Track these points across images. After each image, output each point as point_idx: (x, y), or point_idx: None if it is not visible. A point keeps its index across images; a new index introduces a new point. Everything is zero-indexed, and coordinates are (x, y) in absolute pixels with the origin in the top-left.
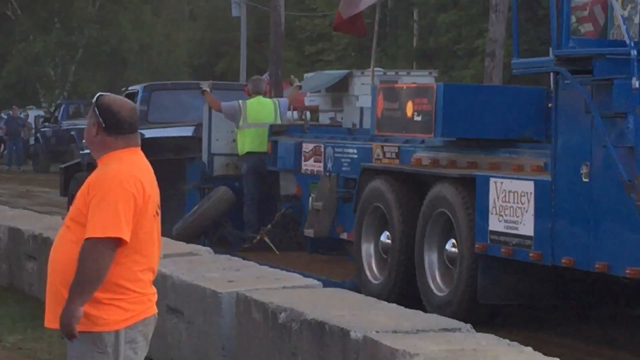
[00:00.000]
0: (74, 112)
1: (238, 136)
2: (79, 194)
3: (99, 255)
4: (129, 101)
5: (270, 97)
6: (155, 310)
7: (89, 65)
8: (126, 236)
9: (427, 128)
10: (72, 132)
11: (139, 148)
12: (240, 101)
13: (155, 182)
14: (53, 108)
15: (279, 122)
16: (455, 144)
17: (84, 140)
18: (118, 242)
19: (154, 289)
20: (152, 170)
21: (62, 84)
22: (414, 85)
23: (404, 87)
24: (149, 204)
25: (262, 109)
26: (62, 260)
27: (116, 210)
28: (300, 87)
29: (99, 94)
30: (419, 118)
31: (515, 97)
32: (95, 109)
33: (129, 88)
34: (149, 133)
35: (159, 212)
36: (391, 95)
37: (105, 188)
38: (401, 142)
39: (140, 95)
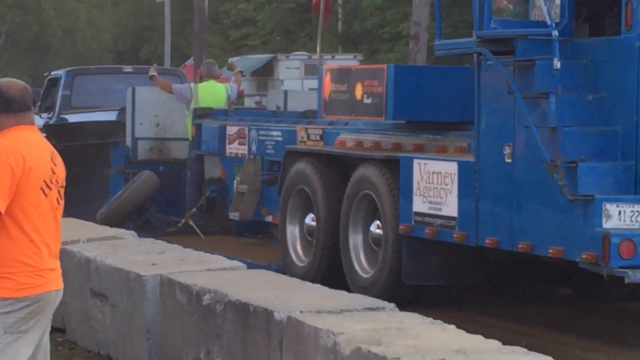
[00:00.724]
0: None
1: (187, 119)
2: None
3: None
4: (19, 81)
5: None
6: (56, 286)
7: (12, 51)
8: (1, 206)
9: (377, 111)
10: None
11: (33, 126)
12: (192, 84)
13: (51, 159)
14: None
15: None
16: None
17: None
18: None
19: (54, 265)
20: (47, 148)
21: None
22: (363, 66)
23: (353, 69)
24: (30, 176)
25: (213, 93)
26: None
27: None
28: (242, 72)
29: None
30: (368, 100)
31: (467, 78)
32: None
33: (52, 73)
34: (72, 118)
35: (60, 190)
36: (339, 77)
37: None
38: (349, 125)
39: (63, 80)
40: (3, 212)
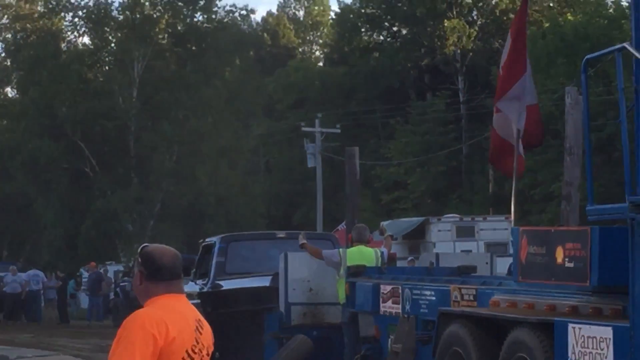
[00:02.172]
0: None
1: (338, 284)
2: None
3: None
4: (171, 248)
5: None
6: None
7: (166, 219)
8: None
9: (580, 276)
10: None
11: (182, 294)
12: (341, 249)
13: (196, 328)
14: (132, 262)
15: None
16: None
17: None
18: None
19: None
20: (193, 316)
21: (141, 238)
22: (564, 228)
23: (552, 230)
24: (172, 346)
25: (362, 258)
26: None
27: (133, 349)
28: (392, 236)
29: (143, 245)
30: (570, 264)
31: None
32: (139, 258)
33: (206, 240)
34: (227, 284)
35: (205, 359)
36: (537, 239)
37: (127, 328)
38: (548, 289)
39: (217, 246)
40: None
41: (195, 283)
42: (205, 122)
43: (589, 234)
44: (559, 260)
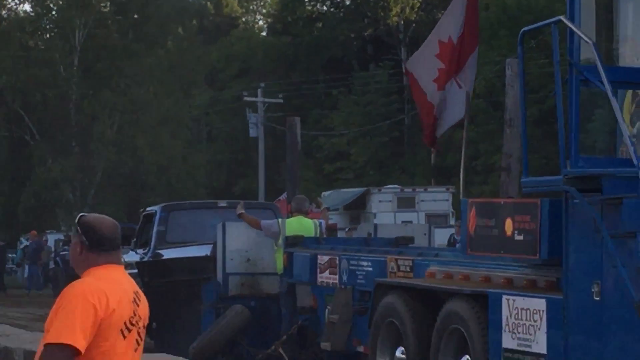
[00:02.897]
0: None
1: (276, 254)
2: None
3: None
4: (109, 218)
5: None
6: None
7: (107, 188)
8: (79, 345)
9: (530, 249)
10: None
11: (121, 265)
12: (280, 220)
13: (134, 299)
14: (72, 231)
15: None
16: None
17: None
18: (73, 351)
19: None
20: (131, 287)
21: (81, 207)
22: (514, 200)
23: (502, 202)
24: (112, 318)
25: (301, 229)
26: None
27: (73, 318)
28: (328, 209)
29: (80, 214)
30: (520, 237)
31: None
32: (78, 227)
33: (147, 209)
34: (167, 253)
35: (141, 331)
36: (486, 211)
37: (67, 297)
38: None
39: (158, 215)
40: (83, 352)
41: (136, 252)
42: (147, 91)
43: (539, 206)
44: (509, 232)
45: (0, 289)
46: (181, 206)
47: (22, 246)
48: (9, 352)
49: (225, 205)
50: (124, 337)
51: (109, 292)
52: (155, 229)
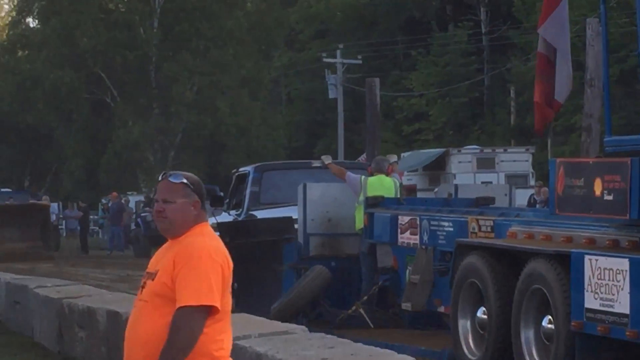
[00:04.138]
0: None
1: (356, 211)
2: (161, 270)
3: (194, 324)
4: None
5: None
6: None
7: (187, 150)
8: (219, 305)
9: (620, 208)
10: None
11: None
12: (362, 177)
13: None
14: (153, 193)
15: None
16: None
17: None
18: (210, 311)
19: None
20: None
21: (162, 169)
22: (603, 160)
23: (590, 162)
24: (228, 274)
25: (381, 188)
26: (145, 335)
27: (208, 279)
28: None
29: (182, 173)
30: (609, 197)
31: None
32: (190, 186)
33: (240, 169)
34: (261, 214)
35: None
36: (574, 171)
37: (194, 259)
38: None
39: (251, 176)
40: (221, 310)
41: (229, 214)
42: (226, 52)
43: (629, 166)
44: (598, 192)
45: (83, 250)
46: (274, 166)
47: (103, 208)
48: (92, 312)
49: (319, 165)
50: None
51: (223, 250)
52: (248, 190)
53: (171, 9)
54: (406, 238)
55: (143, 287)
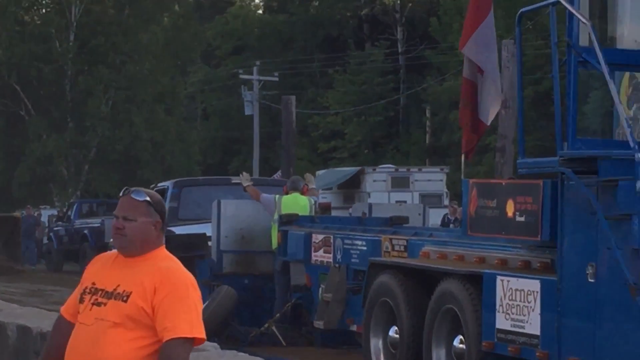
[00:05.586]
0: (87, 211)
1: (272, 230)
2: (134, 293)
3: (186, 356)
4: None
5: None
6: None
7: (102, 164)
8: (204, 336)
9: (531, 230)
10: (85, 231)
11: None
12: (277, 196)
13: None
14: (66, 207)
15: None
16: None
17: (112, 240)
18: (194, 343)
19: None
20: None
21: (75, 183)
22: (515, 181)
23: (503, 183)
24: None
25: (296, 206)
26: (112, 359)
27: (197, 310)
28: (314, 188)
29: (145, 191)
30: (521, 218)
31: None
32: (152, 205)
33: (158, 184)
34: (178, 230)
35: None
36: (487, 192)
37: (181, 289)
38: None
39: (170, 191)
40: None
41: None
42: (142, 67)
43: (541, 187)
44: (510, 214)
45: None
46: (193, 182)
47: None
48: (2, 326)
49: (238, 181)
50: None
51: None
52: (167, 206)
53: (87, 23)
54: (320, 256)
55: (95, 304)
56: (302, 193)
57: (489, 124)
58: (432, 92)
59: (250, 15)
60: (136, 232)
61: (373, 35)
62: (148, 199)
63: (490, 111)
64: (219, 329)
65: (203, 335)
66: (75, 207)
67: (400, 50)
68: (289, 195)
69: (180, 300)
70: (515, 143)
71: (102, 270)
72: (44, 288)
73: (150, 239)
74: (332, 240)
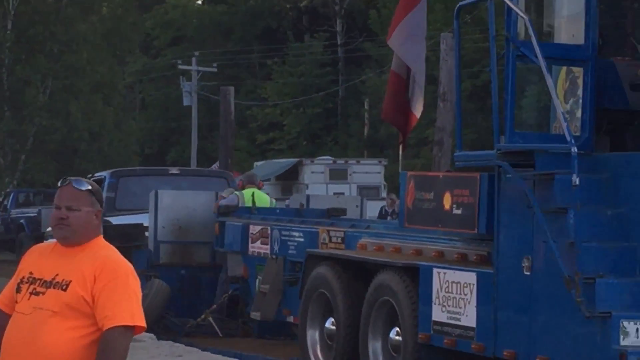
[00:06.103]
0: (24, 200)
1: None
2: (74, 282)
3: (127, 343)
4: None
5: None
6: None
7: (39, 154)
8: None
9: (468, 223)
10: (22, 221)
11: None
12: (237, 192)
13: None
14: (2, 196)
15: None
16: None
17: (49, 229)
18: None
19: None
20: None
21: (12, 173)
22: (453, 174)
23: (440, 176)
24: None
25: (258, 200)
26: (51, 348)
27: (137, 299)
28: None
29: (85, 180)
30: (458, 211)
31: None
32: (93, 195)
33: (95, 174)
34: (115, 220)
35: None
36: (424, 185)
37: (121, 277)
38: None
39: (107, 181)
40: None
41: None
42: (81, 57)
43: (478, 181)
44: (447, 206)
45: None
46: (131, 172)
47: None
48: None
49: (176, 172)
50: None
51: None
52: (104, 196)
53: (25, 12)
54: (257, 247)
55: (33, 294)
56: (258, 188)
57: (418, 116)
58: (370, 85)
59: (190, 5)
60: (80, 222)
61: (312, 27)
62: (90, 188)
63: (417, 105)
64: (153, 324)
65: (144, 323)
66: (11, 196)
67: (339, 42)
68: (247, 190)
69: (121, 289)
70: (453, 136)
71: (39, 259)
72: None
73: (92, 228)
74: (269, 232)
